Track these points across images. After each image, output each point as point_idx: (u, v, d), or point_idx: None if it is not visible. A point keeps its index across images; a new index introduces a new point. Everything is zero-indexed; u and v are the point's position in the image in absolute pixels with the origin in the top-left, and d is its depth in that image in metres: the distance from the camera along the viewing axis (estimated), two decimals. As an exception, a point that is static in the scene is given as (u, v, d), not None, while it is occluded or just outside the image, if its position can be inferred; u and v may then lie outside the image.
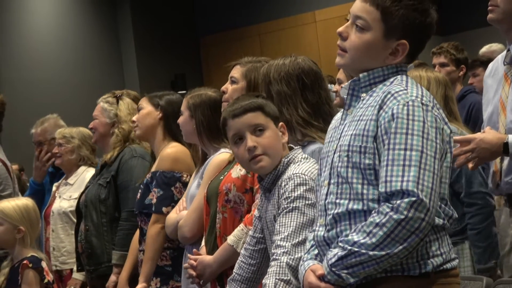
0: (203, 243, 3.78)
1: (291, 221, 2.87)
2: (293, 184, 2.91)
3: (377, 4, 2.58)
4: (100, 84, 11.33)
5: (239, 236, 3.42)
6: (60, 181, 6.03)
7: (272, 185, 3.00)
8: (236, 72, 3.74)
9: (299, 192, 2.89)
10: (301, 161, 3.00)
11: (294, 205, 2.88)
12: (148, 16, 12.64)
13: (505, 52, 3.61)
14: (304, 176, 2.91)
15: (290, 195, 2.90)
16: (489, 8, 3.52)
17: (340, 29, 2.64)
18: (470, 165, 3.41)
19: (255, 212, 3.20)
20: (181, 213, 4.10)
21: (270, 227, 3.01)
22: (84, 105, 10.65)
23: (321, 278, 2.52)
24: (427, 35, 2.63)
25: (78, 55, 11.91)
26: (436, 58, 6.11)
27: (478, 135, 3.37)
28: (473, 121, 5.66)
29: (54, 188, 6.04)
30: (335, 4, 11.57)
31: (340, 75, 4.54)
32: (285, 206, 2.90)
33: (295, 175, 2.93)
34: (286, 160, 3.00)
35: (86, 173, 5.80)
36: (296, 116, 3.31)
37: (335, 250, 2.48)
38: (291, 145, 3.12)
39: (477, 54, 7.36)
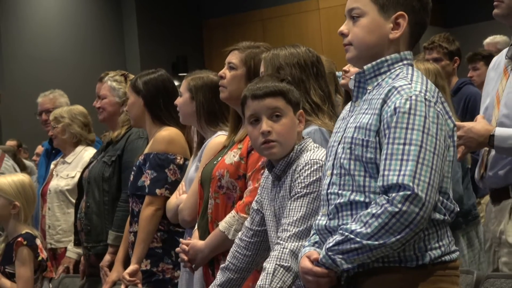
0: (196, 226, 3.77)
1: (301, 206, 2.85)
2: (309, 170, 2.88)
3: None
4: (101, 63, 11.32)
5: (230, 223, 3.40)
6: (58, 159, 6.03)
7: (283, 172, 2.97)
8: (235, 58, 3.69)
9: (314, 178, 2.86)
10: (314, 149, 2.97)
11: (307, 191, 2.86)
12: (151, -3, 12.62)
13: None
14: (321, 162, 2.88)
15: (305, 180, 2.87)
16: (495, 3, 3.53)
17: (340, 29, 2.67)
18: (458, 155, 3.44)
19: (253, 204, 3.17)
20: (181, 197, 4.09)
21: (280, 214, 2.97)
22: (84, 83, 10.69)
23: (316, 262, 2.53)
24: (422, 5, 2.63)
25: (80, 34, 11.90)
26: (429, 53, 6.07)
27: (467, 123, 3.40)
28: (470, 114, 5.65)
29: (52, 166, 6.05)
30: (339, -8, 11.55)
31: None
32: (298, 190, 2.87)
33: (312, 160, 2.90)
34: (299, 147, 2.96)
35: (84, 152, 5.80)
36: (309, 100, 3.29)
37: (335, 236, 2.49)
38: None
39: (481, 47, 7.34)
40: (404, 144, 2.42)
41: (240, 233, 3.20)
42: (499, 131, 3.34)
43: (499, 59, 3.69)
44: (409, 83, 2.51)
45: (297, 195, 2.87)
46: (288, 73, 3.27)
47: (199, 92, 4.03)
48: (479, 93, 5.96)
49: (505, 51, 3.66)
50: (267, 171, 3.08)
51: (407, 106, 2.45)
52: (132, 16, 12.46)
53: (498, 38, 7.31)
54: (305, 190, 2.86)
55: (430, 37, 6.22)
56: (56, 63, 11.41)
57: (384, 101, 2.50)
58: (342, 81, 4.65)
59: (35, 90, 7.42)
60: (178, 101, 4.16)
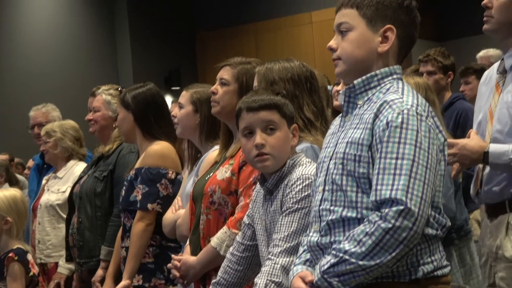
0: (187, 242, 3.75)
1: (293, 222, 2.84)
2: (301, 185, 2.88)
3: (351, 4, 2.63)
4: (94, 76, 11.31)
5: (222, 239, 3.38)
6: (50, 175, 6.01)
7: (275, 186, 2.97)
8: (227, 73, 3.69)
9: (306, 193, 2.86)
10: (306, 164, 2.96)
11: (299, 206, 2.85)
12: (144, 10, 12.61)
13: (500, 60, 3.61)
14: (312, 178, 2.86)
15: (296, 195, 2.87)
16: (484, 19, 3.54)
17: (329, 44, 2.67)
18: (453, 172, 3.44)
19: (244, 218, 3.16)
20: (178, 212, 4.08)
21: (271, 228, 2.96)
22: (76, 96, 10.68)
23: (311, 284, 2.51)
24: (411, 19, 2.64)
25: (73, 47, 11.89)
26: (424, 66, 6.09)
27: (461, 140, 3.40)
28: (462, 128, 5.66)
29: (44, 181, 6.02)
30: (332, 5, 11.52)
31: None
32: (290, 205, 2.87)
33: (304, 175, 2.89)
34: (291, 162, 2.96)
35: (75, 167, 5.78)
36: (302, 116, 3.28)
37: (328, 257, 2.47)
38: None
39: (474, 61, 7.35)
40: (397, 158, 2.42)
41: (231, 248, 3.19)
42: (493, 147, 3.34)
43: (490, 73, 3.70)
44: (400, 97, 2.51)
45: (289, 210, 2.86)
46: (282, 87, 3.26)
47: (204, 105, 4.01)
48: (471, 108, 5.95)
49: (496, 65, 3.66)
50: (258, 185, 3.07)
51: (399, 120, 2.45)
52: (125, 29, 12.45)
53: (491, 51, 7.32)
54: (296, 205, 2.85)
55: (423, 50, 6.23)
56: (49, 77, 11.40)
57: (376, 116, 2.50)
58: (335, 103, 4.59)
59: (27, 103, 7.39)
60: (179, 113, 4.14)
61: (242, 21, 12.80)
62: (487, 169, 3.47)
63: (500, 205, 3.48)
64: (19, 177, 9.14)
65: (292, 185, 2.89)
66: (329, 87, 5.14)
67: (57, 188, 5.74)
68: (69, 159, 5.85)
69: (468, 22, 12.24)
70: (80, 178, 5.20)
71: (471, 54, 8.06)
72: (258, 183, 3.08)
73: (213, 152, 3.88)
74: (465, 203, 4.74)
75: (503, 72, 3.54)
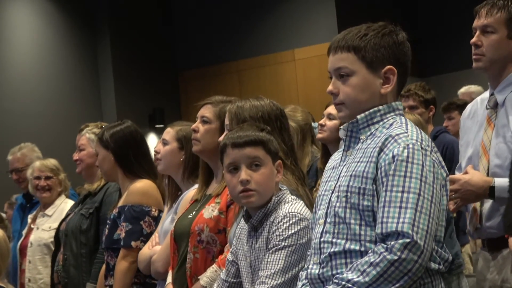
0: (169, 279, 3.73)
1: (280, 259, 2.85)
2: (288, 222, 2.88)
3: (347, 48, 2.63)
4: (78, 116, 11.25)
5: (212, 278, 3.37)
6: (35, 213, 5.99)
7: (260, 223, 2.97)
8: (208, 112, 3.70)
9: (293, 231, 2.87)
10: (292, 201, 2.97)
11: (286, 244, 2.86)
12: (127, 50, 12.61)
13: (486, 95, 3.62)
14: (299, 216, 2.89)
15: (283, 232, 2.87)
16: (475, 57, 3.54)
17: (328, 88, 2.68)
18: (452, 206, 3.42)
19: (228, 255, 3.16)
20: (154, 248, 4.07)
21: (256, 265, 2.97)
22: (59, 137, 10.64)
23: None
24: (406, 53, 2.67)
25: (57, 87, 11.86)
26: (405, 101, 6.12)
27: (463, 176, 3.38)
28: (449, 161, 5.67)
29: (29, 220, 6.00)
30: (314, 43, 11.64)
31: (332, 110, 4.50)
32: (276, 243, 2.87)
33: (291, 213, 2.90)
34: (276, 199, 2.97)
35: (64, 205, 5.79)
36: None
37: (330, 286, 2.48)
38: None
39: (455, 96, 7.40)
40: (403, 191, 2.45)
41: (215, 285, 3.18)
42: (499, 181, 3.32)
43: (474, 108, 3.70)
44: (405, 132, 2.55)
45: (276, 247, 2.86)
46: None
47: (190, 143, 3.97)
48: (456, 141, 5.97)
49: (479, 99, 3.67)
50: (242, 221, 3.07)
51: (405, 154, 2.48)
52: (108, 68, 12.45)
53: (473, 88, 7.38)
54: (283, 243, 2.86)
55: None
56: (31, 117, 11.35)
57: (381, 149, 2.53)
58: (319, 135, 4.61)
59: (9, 143, 7.36)
60: (163, 149, 4.13)
61: (225, 59, 12.83)
62: (486, 204, 3.46)
63: (502, 239, 3.46)
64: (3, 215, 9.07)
65: (278, 222, 2.90)
66: (313, 124, 5.15)
67: (49, 226, 5.74)
68: (57, 197, 5.88)
69: (448, 58, 12.35)
70: (67, 215, 5.19)
71: (452, 90, 8.11)
72: (242, 219, 3.08)
73: (193, 191, 3.88)
74: (457, 237, 4.73)
75: (494, 107, 3.54)
